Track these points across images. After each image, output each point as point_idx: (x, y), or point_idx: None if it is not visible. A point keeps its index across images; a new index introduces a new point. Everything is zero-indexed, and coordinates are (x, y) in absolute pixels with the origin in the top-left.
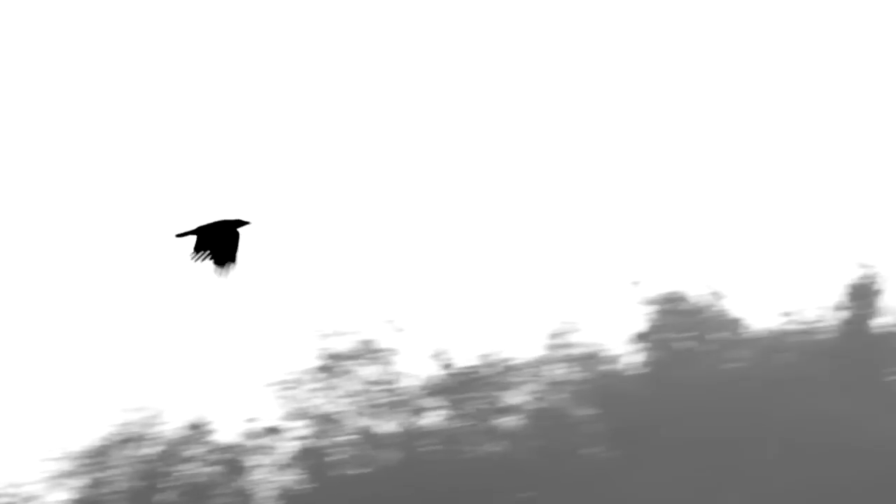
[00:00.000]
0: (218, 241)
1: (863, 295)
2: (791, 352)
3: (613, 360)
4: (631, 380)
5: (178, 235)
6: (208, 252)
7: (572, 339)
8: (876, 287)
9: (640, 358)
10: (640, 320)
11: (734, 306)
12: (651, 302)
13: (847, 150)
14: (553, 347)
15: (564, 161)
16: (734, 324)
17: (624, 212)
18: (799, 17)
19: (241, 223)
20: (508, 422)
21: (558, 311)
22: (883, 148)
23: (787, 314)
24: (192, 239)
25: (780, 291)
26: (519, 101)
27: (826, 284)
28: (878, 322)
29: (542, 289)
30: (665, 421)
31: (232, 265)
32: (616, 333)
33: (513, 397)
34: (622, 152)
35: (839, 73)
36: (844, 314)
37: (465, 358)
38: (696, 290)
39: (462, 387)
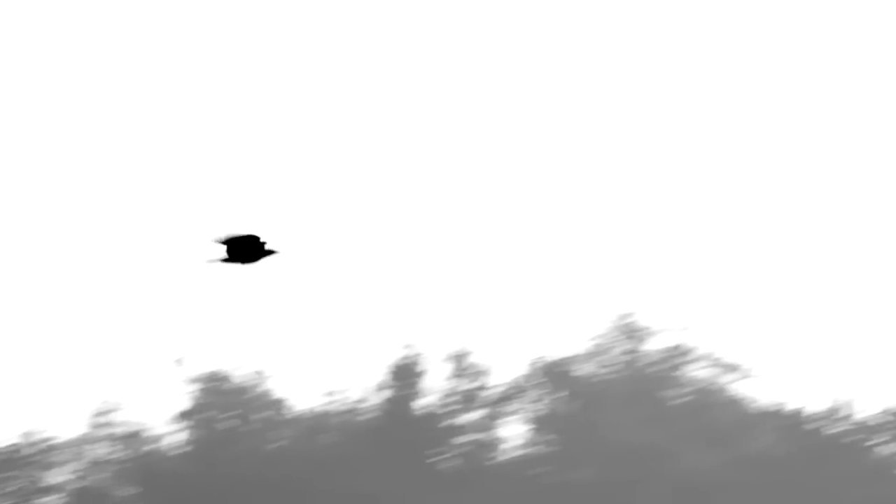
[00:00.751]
0: (244, 252)
1: (405, 376)
2: (334, 431)
3: (157, 438)
4: (174, 459)
5: (210, 262)
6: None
7: (115, 417)
8: (418, 368)
9: (183, 437)
10: (184, 399)
11: (278, 386)
12: (195, 381)
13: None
14: (96, 426)
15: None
16: (278, 403)
17: (164, 294)
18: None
19: (270, 251)
20: (50, 501)
21: (101, 389)
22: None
23: (330, 394)
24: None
25: (323, 372)
26: None
27: (369, 365)
28: (421, 403)
29: (84, 367)
30: (209, 499)
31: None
32: (159, 412)
33: (54, 476)
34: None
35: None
36: (387, 394)
37: (5, 436)
38: (239, 370)
39: (2, 465)
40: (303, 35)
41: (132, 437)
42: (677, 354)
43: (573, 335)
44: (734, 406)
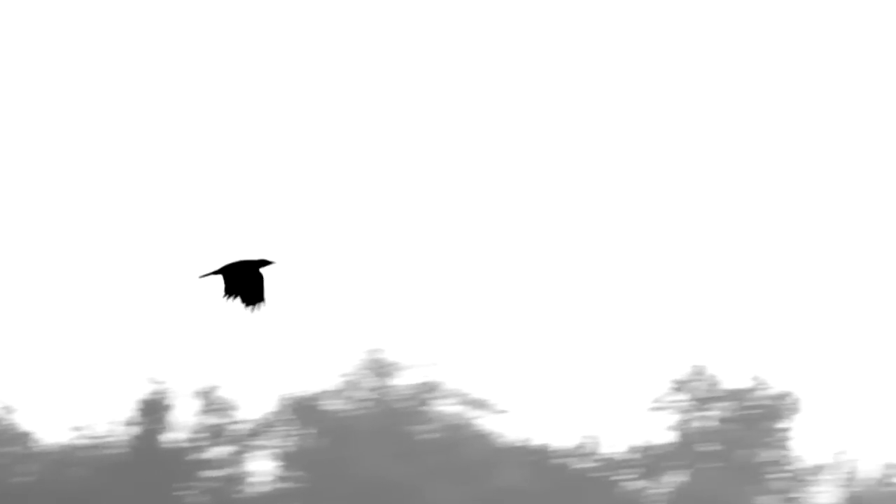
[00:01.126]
0: (244, 282)
1: (153, 410)
2: (81, 466)
3: None
4: None
5: (202, 276)
6: (237, 293)
7: None
8: (166, 403)
9: None
10: None
11: (25, 420)
12: None
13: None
14: None
15: None
16: (24, 437)
17: None
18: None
19: (265, 262)
20: None
21: None
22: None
23: (77, 428)
24: (217, 279)
25: (70, 406)
26: None
27: (117, 399)
28: (168, 437)
29: None
30: None
31: (261, 304)
32: None
33: None
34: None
35: None
36: (135, 429)
37: None
38: None
39: None
40: (292, 49)
41: None
42: (425, 390)
43: (322, 371)
44: (482, 441)
